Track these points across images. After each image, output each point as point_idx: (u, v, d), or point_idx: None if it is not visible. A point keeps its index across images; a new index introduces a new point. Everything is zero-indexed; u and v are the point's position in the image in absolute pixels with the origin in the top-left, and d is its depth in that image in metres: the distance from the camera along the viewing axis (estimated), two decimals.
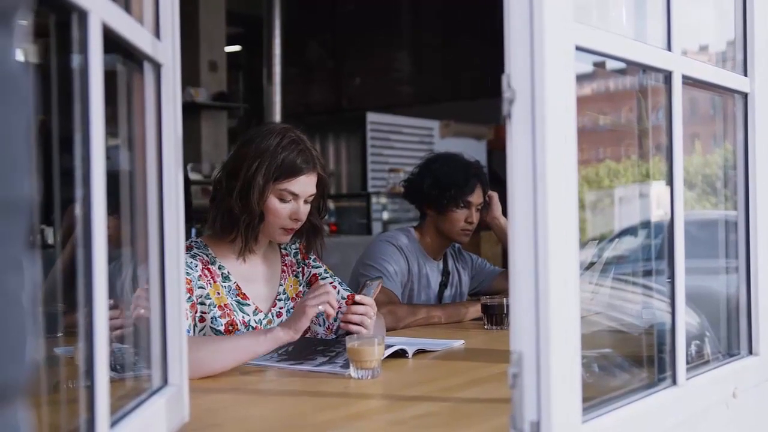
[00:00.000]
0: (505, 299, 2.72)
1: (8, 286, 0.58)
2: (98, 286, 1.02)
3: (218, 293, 2.24)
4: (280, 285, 2.41)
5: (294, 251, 2.49)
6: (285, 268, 2.44)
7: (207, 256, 2.26)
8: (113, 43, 1.14)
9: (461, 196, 3.04)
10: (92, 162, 1.02)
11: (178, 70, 1.43)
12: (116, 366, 1.35)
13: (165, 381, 1.39)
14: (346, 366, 1.94)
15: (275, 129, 2.30)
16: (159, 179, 1.38)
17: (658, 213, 1.92)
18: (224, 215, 2.26)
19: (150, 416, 1.26)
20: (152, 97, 1.38)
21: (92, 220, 1.02)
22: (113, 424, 1.10)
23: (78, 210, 1.02)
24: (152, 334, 1.39)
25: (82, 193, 1.01)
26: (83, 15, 1.01)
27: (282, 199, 2.25)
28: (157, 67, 1.37)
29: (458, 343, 2.40)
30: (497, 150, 8.36)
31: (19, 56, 0.63)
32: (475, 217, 3.07)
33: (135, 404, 1.25)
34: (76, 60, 1.03)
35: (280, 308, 2.38)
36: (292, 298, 2.41)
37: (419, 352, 2.22)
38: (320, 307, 2.02)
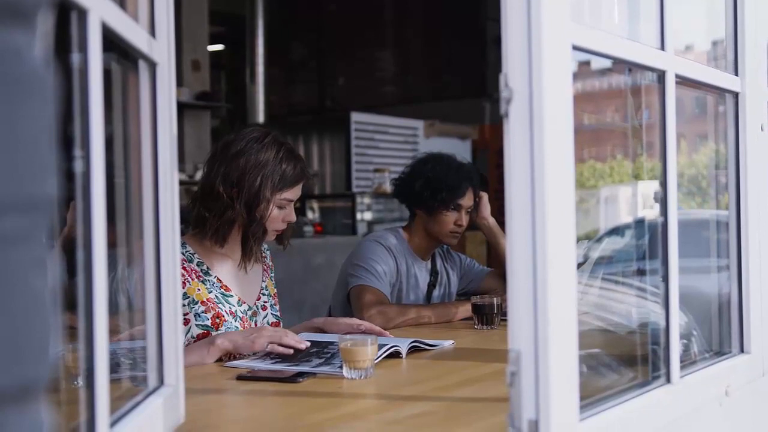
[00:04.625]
0: (495, 299, 2.72)
1: (33, 285, 0.58)
2: (98, 287, 1.02)
3: (198, 289, 2.29)
4: (263, 281, 2.50)
5: (268, 256, 2.59)
6: (265, 267, 2.53)
7: (184, 254, 2.29)
8: (109, 41, 1.13)
9: (452, 199, 3.03)
10: (92, 161, 1.01)
11: (173, 69, 1.42)
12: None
13: (161, 381, 1.38)
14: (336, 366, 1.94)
15: (265, 138, 2.34)
16: (154, 179, 1.38)
17: (645, 212, 1.93)
18: (227, 225, 2.31)
19: (147, 417, 1.26)
20: (147, 97, 1.37)
21: (92, 219, 1.01)
22: (112, 424, 1.09)
23: (78, 209, 1.01)
24: (148, 334, 1.38)
25: (82, 192, 1.01)
26: (83, 13, 1.00)
27: (280, 207, 2.35)
28: (152, 66, 1.36)
29: (449, 343, 2.40)
30: (481, 150, 8.39)
31: (42, 54, 0.63)
32: (465, 220, 3.07)
33: (132, 405, 1.25)
34: (75, 58, 1.02)
35: (264, 302, 2.47)
36: (273, 295, 2.52)
37: (413, 351, 2.23)
38: (268, 347, 2.13)
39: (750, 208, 1.86)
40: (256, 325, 2.40)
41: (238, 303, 2.36)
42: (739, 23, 1.84)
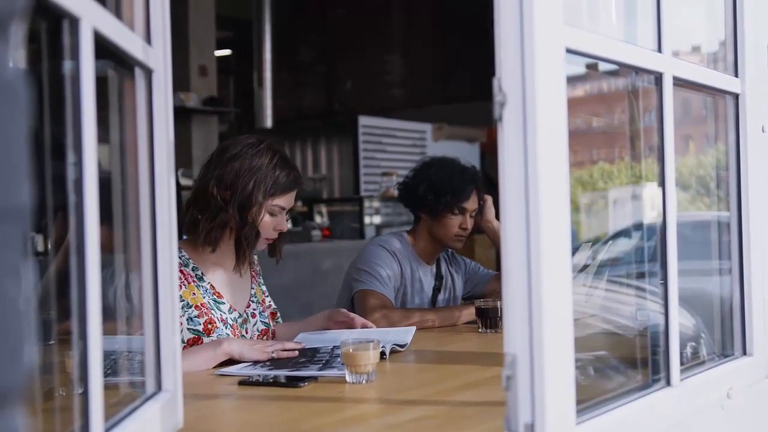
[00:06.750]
0: (498, 302, 2.71)
1: (7, 292, 0.59)
2: (91, 294, 1.02)
3: (193, 293, 2.32)
4: (252, 288, 2.52)
5: (255, 261, 2.61)
6: (254, 274, 2.56)
7: (180, 258, 2.31)
8: (104, 48, 1.13)
9: (457, 203, 3.03)
10: (84, 169, 1.02)
11: (170, 75, 1.43)
12: (108, 372, 1.35)
13: (159, 387, 1.39)
14: (343, 368, 1.94)
15: (260, 144, 2.38)
16: (151, 186, 1.38)
17: (651, 215, 1.92)
18: (219, 228, 2.33)
19: (144, 422, 1.26)
20: (143, 103, 1.38)
21: (85, 227, 1.01)
22: (107, 430, 1.10)
23: (71, 217, 1.01)
24: (146, 340, 1.38)
25: (74, 199, 1.01)
26: (75, 21, 1.01)
27: (271, 214, 2.38)
28: (148, 72, 1.37)
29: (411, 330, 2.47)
30: (490, 153, 8.37)
31: (16, 63, 0.63)
32: (470, 223, 3.07)
33: (129, 410, 1.25)
34: (67, 66, 1.03)
35: (254, 309, 2.50)
36: (261, 302, 2.54)
37: (394, 352, 2.27)
38: (273, 354, 2.17)
39: (752, 210, 1.85)
40: (246, 332, 2.43)
41: (229, 310, 2.38)
42: (739, 24, 1.83)
